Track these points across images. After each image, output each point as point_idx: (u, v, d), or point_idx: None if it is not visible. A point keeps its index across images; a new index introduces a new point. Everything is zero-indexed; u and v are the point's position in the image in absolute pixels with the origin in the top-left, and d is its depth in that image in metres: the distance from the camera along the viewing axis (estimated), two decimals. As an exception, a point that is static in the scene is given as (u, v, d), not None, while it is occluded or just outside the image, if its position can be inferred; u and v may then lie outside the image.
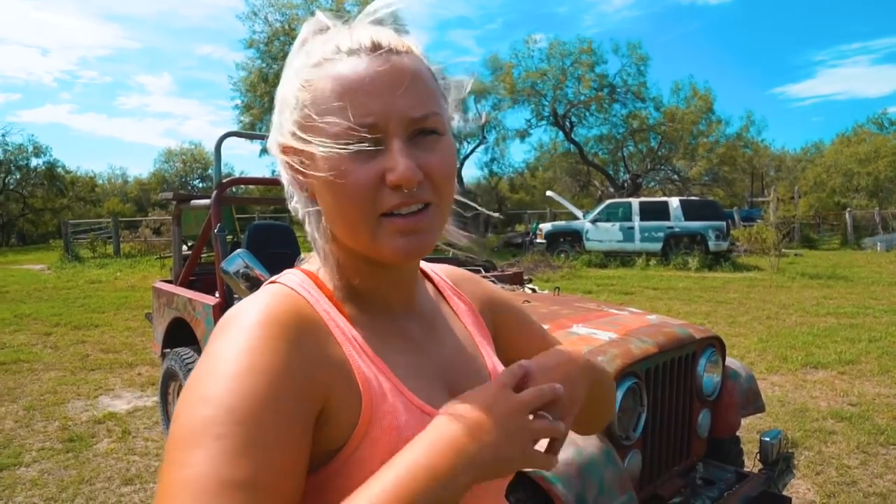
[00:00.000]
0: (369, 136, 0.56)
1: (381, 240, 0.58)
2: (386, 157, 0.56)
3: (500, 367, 0.74)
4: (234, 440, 0.47)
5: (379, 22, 0.61)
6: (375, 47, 0.58)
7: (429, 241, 0.59)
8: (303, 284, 0.63)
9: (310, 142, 0.58)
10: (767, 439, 2.24)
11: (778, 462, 2.26)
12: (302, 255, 0.71)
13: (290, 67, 0.61)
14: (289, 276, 0.65)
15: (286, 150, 0.61)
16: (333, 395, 0.55)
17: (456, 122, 0.66)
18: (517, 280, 3.56)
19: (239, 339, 0.53)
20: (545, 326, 2.22)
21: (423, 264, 0.80)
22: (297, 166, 0.61)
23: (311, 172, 0.59)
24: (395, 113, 0.56)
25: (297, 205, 0.65)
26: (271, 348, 0.52)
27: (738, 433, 2.54)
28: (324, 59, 0.58)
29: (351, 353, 0.59)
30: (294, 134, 0.59)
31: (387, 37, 0.59)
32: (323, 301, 0.62)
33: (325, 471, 0.56)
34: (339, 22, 0.62)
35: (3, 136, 30.78)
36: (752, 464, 2.45)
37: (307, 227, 0.65)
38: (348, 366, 0.58)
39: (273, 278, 0.66)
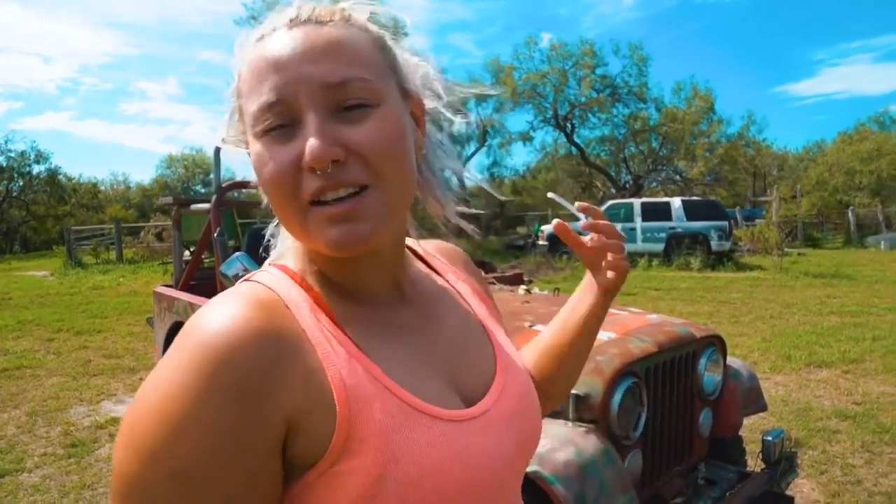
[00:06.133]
0: (278, 114, 0.50)
1: (313, 231, 0.52)
2: (302, 137, 0.50)
3: (507, 345, 0.69)
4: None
5: None
6: (293, 21, 0.53)
7: (369, 228, 0.51)
8: (279, 281, 0.56)
9: (240, 131, 0.56)
10: (770, 438, 2.22)
11: (781, 461, 2.24)
12: (271, 252, 0.65)
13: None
14: (264, 274, 0.58)
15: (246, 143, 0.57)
16: (300, 412, 0.49)
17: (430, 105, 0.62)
18: (517, 281, 3.55)
19: (188, 373, 0.46)
20: (543, 326, 2.22)
21: (411, 241, 0.71)
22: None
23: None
24: (305, 83, 0.50)
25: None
26: (217, 388, 0.46)
27: (740, 433, 2.53)
28: (246, 45, 0.55)
29: (327, 355, 0.51)
30: (229, 126, 0.57)
31: (309, 8, 0.54)
32: (298, 298, 0.55)
33: (297, 484, 0.50)
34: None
35: (6, 143, 30.99)
36: (754, 463, 2.43)
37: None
38: (321, 373, 0.50)
39: (247, 276, 0.59)
